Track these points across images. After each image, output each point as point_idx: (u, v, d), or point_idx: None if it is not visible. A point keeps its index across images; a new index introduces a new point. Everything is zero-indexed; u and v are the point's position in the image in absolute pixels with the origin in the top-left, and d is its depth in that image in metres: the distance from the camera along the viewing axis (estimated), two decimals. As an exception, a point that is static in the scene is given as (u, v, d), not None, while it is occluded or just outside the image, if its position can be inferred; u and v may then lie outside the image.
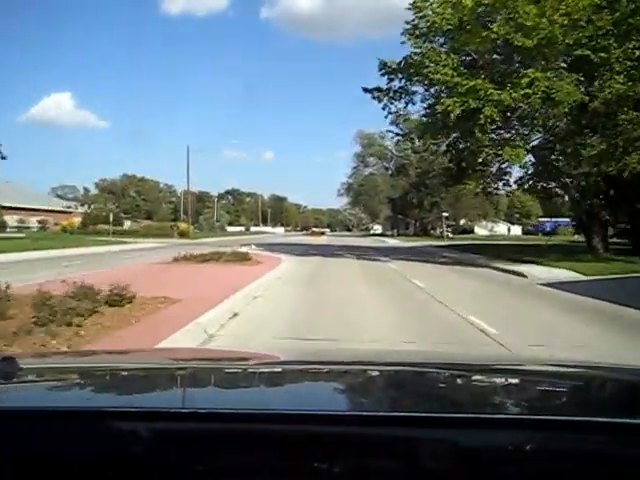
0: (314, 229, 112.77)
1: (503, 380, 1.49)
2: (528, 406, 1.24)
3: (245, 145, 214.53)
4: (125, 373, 1.50)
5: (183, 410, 0.99)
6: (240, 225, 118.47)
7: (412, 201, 75.19)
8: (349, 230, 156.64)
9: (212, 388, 1.36)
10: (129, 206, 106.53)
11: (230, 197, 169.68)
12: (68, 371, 1.47)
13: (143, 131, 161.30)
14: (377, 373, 1.54)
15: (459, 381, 1.47)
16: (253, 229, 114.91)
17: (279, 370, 1.57)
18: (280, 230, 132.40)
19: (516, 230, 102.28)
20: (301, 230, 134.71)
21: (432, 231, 79.94)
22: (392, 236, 79.57)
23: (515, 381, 1.49)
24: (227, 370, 1.55)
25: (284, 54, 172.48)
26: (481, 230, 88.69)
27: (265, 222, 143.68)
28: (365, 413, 1.03)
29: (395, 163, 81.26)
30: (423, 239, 60.05)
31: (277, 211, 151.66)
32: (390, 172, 79.59)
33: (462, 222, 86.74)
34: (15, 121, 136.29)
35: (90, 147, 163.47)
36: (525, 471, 0.85)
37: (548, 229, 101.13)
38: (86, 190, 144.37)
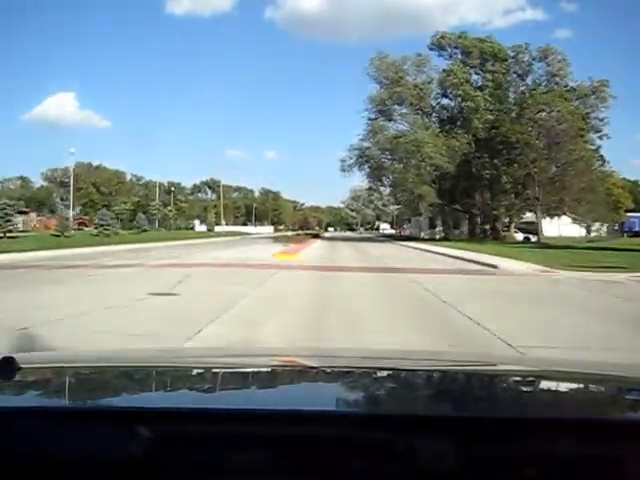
0: (299, 232, 77.37)
1: (503, 381, 1.49)
2: (528, 406, 1.23)
3: (247, 145, 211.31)
4: (125, 373, 1.48)
5: (183, 410, 0.97)
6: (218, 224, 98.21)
7: (481, 175, 41.39)
8: (351, 229, 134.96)
9: (212, 388, 1.36)
10: (86, 199, 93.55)
11: (209, 190, 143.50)
12: (68, 371, 1.46)
13: (145, 130, 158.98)
14: (378, 373, 1.53)
15: (459, 381, 1.47)
16: (220, 229, 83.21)
17: (279, 370, 1.55)
18: (267, 230, 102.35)
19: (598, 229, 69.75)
20: (299, 229, 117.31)
21: (504, 232, 47.25)
22: (432, 240, 46.73)
23: (515, 381, 1.48)
24: (227, 370, 1.54)
25: (287, 54, 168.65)
26: (547, 229, 55.07)
27: (250, 220, 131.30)
28: (365, 413, 1.03)
29: (441, 115, 47.85)
30: (534, 252, 26.67)
31: (270, 208, 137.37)
32: (433, 129, 45.02)
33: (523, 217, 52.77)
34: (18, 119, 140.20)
35: (92, 146, 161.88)
36: (525, 471, 0.84)
37: (638, 228, 70.86)
38: (24, 180, 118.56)
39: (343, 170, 48.64)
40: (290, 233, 65.72)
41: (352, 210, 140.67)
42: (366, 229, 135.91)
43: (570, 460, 0.84)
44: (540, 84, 43.74)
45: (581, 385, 1.41)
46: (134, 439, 0.85)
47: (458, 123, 44.86)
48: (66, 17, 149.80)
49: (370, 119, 46.27)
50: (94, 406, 1.06)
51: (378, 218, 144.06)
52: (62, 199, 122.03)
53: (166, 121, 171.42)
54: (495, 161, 39.87)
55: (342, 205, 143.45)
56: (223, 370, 1.52)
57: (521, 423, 0.92)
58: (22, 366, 1.20)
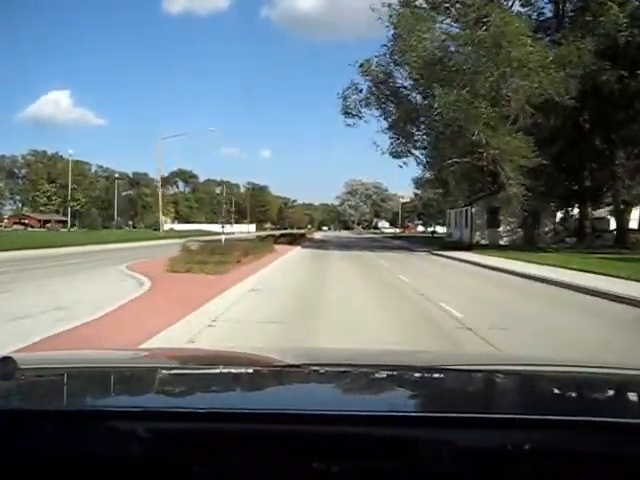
0: (273, 232, 53.39)
1: (503, 380, 1.49)
2: (528, 406, 1.22)
3: (242, 144, 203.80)
4: (124, 373, 1.48)
5: (183, 410, 0.97)
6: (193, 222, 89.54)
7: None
8: (348, 228, 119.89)
9: (212, 388, 1.37)
10: (37, 193, 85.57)
11: (182, 183, 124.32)
12: (67, 371, 1.43)
13: (140, 129, 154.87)
14: (377, 373, 1.54)
15: (459, 381, 1.47)
16: (180, 227, 62.86)
17: (279, 370, 1.54)
18: (248, 229, 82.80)
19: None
20: (288, 227, 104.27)
21: (634, 233, 26.37)
22: (504, 249, 25.91)
23: (515, 381, 1.49)
24: (227, 370, 1.55)
25: (284, 54, 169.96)
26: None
27: (228, 218, 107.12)
28: (365, 413, 1.02)
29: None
30: None
31: (254, 203, 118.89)
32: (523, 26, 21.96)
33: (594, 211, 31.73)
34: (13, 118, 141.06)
35: (86, 144, 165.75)
36: (525, 471, 0.84)
37: None
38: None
39: (347, 113, 27.31)
40: (261, 233, 44.09)
41: (349, 207, 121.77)
42: (364, 227, 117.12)
43: (570, 459, 0.84)
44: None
45: (579, 385, 1.41)
46: (134, 439, 0.85)
47: (560, 31, 23.75)
48: (63, 17, 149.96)
49: (395, 10, 24.26)
50: (93, 406, 1.07)
51: (377, 215, 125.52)
52: (12, 192, 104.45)
53: (161, 119, 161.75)
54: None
55: (337, 201, 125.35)
56: (223, 371, 1.52)
57: (521, 423, 0.91)
58: (21, 366, 1.20)
